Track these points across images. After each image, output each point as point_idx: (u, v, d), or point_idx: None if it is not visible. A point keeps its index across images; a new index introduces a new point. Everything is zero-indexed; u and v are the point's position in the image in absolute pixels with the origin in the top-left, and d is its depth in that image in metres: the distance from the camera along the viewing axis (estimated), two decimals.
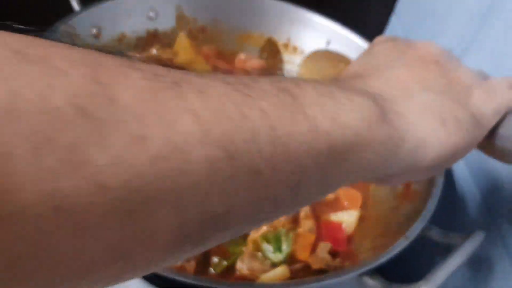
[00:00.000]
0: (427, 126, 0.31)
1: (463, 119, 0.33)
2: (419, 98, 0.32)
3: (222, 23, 0.79)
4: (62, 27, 0.64)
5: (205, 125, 0.19)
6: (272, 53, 0.80)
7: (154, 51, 0.72)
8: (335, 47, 0.78)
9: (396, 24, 0.85)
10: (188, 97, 0.20)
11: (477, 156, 0.61)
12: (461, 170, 0.64)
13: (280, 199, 0.23)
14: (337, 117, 0.25)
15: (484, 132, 0.35)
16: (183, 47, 0.75)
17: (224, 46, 0.79)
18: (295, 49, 0.81)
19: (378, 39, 0.42)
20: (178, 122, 0.18)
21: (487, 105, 0.36)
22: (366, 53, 0.40)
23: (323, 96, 0.26)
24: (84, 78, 0.17)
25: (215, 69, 0.76)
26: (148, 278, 0.63)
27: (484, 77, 0.40)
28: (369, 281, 0.50)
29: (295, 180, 0.23)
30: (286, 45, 0.81)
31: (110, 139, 0.16)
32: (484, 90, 0.37)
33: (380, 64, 0.36)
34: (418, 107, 0.31)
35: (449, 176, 0.66)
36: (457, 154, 0.33)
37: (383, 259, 0.51)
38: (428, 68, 0.36)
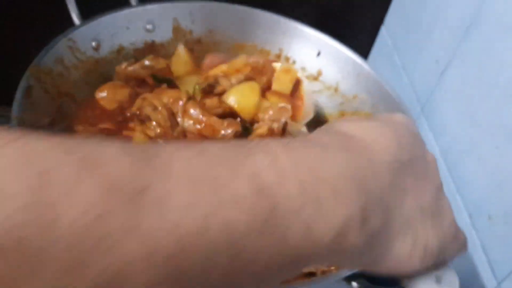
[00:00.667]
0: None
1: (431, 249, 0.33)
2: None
3: (217, 35, 0.82)
4: (62, 40, 0.67)
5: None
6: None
7: (146, 62, 0.75)
8: (325, 58, 0.81)
9: (386, 35, 0.88)
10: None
11: (460, 164, 0.64)
12: (444, 176, 0.67)
13: None
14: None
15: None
16: (181, 59, 0.78)
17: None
18: (287, 59, 0.84)
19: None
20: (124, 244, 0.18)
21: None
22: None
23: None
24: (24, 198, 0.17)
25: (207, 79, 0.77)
26: None
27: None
28: (354, 284, 0.53)
29: None
30: (278, 56, 0.84)
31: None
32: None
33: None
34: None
35: None
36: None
37: None
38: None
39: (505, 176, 0.56)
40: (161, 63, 0.76)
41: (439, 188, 0.35)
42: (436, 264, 0.34)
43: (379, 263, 0.30)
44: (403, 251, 0.30)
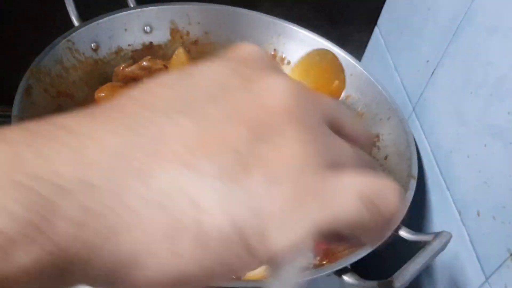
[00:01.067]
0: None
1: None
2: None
3: (213, 36, 0.83)
4: (62, 42, 0.69)
5: None
6: None
7: (144, 63, 0.77)
8: None
9: (379, 35, 0.90)
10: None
11: (450, 161, 0.65)
12: (435, 173, 0.68)
13: None
14: None
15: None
16: (180, 60, 0.79)
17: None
18: (282, 60, 0.85)
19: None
20: None
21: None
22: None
23: None
24: None
25: None
26: None
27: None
28: (345, 278, 0.54)
29: None
30: (273, 56, 0.85)
31: None
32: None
33: None
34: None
35: (421, 179, 0.71)
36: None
37: (358, 257, 0.55)
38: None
39: (492, 173, 0.57)
40: (158, 64, 0.77)
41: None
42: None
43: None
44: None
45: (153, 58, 0.78)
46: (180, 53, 0.80)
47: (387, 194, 0.21)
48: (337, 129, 0.24)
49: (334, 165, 0.21)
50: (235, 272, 0.20)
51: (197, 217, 0.18)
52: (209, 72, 0.22)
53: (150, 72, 0.77)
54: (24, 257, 0.17)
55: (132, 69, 0.75)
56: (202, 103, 0.21)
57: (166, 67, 0.78)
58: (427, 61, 0.72)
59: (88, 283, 0.19)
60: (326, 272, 0.54)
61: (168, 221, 0.18)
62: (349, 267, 0.54)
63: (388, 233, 0.23)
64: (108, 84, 0.75)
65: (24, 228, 0.17)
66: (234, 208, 0.19)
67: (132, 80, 0.77)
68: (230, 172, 0.19)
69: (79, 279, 0.18)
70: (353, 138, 0.25)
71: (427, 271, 0.70)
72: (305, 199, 0.20)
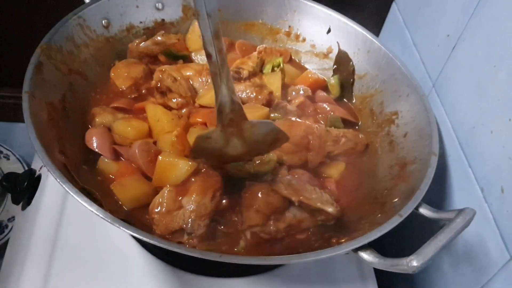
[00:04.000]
0: None
1: None
2: None
3: (227, 14, 0.82)
4: (73, 18, 0.67)
5: None
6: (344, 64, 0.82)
7: (158, 37, 0.75)
8: (335, 34, 0.81)
9: (397, 11, 0.87)
10: None
11: (472, 138, 0.63)
12: (456, 151, 0.66)
13: None
14: None
15: None
16: (197, 34, 0.78)
17: (229, 35, 0.82)
18: (297, 37, 0.83)
19: None
20: None
21: None
22: None
23: None
24: None
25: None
26: (149, 249, 0.67)
27: None
28: (364, 255, 0.53)
29: None
30: (288, 33, 0.83)
31: None
32: None
33: None
34: None
35: (441, 157, 0.68)
36: None
37: (377, 235, 0.53)
38: None
39: None
40: (172, 38, 0.76)
41: None
42: None
43: None
44: None
45: (167, 33, 0.76)
46: (195, 27, 0.78)
47: None
48: None
49: None
50: None
51: None
52: None
53: (164, 47, 0.75)
54: None
55: (146, 44, 0.74)
56: None
57: (179, 41, 0.77)
58: (448, 36, 0.70)
59: None
60: (345, 250, 0.52)
61: None
62: (367, 244, 0.53)
63: None
64: (124, 61, 0.74)
65: None
66: None
67: (147, 56, 0.76)
68: None
69: None
70: None
71: (448, 251, 0.68)
72: None
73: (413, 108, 0.71)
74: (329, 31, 0.81)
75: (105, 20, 0.71)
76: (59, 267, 0.64)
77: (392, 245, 0.74)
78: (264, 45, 0.82)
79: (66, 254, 0.65)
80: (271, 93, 0.73)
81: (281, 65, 0.79)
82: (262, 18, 0.83)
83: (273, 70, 0.79)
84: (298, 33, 0.83)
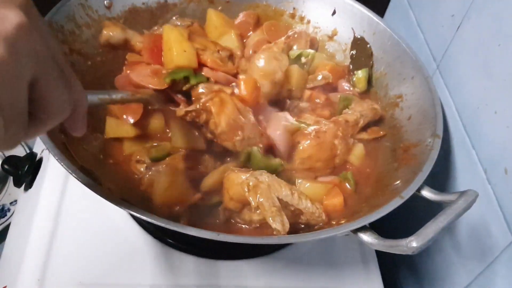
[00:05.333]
0: None
1: None
2: None
3: None
4: None
5: None
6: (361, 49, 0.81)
7: (173, 19, 0.75)
8: (340, 16, 0.80)
9: None
10: None
11: (476, 119, 0.62)
12: (460, 132, 0.65)
13: None
14: None
15: None
16: (213, 23, 0.77)
17: (232, 16, 0.81)
18: (301, 19, 0.82)
19: None
20: None
21: None
22: None
23: None
24: None
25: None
26: (145, 227, 0.67)
27: None
28: (364, 236, 0.52)
29: None
30: (293, 15, 0.82)
31: None
32: None
33: None
34: None
35: (445, 138, 0.67)
36: None
37: (377, 216, 0.53)
38: None
39: None
40: (185, 21, 0.76)
41: None
42: None
43: None
44: None
45: (181, 17, 0.76)
46: (210, 16, 0.78)
47: None
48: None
49: None
50: None
51: None
52: None
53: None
54: None
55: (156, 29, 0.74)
56: None
57: (192, 24, 0.76)
58: (452, 15, 0.69)
59: None
60: (344, 231, 0.52)
61: None
62: (368, 225, 0.52)
63: None
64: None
65: None
66: None
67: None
68: None
69: None
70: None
71: (450, 233, 0.67)
72: None
73: (417, 90, 0.70)
74: (334, 13, 0.80)
75: (107, 1, 0.71)
76: (61, 248, 0.64)
77: (396, 229, 0.74)
78: (295, 30, 0.79)
79: (67, 235, 0.66)
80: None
81: (311, 59, 0.77)
82: (266, 0, 0.82)
83: (299, 59, 0.76)
84: (303, 15, 0.82)
